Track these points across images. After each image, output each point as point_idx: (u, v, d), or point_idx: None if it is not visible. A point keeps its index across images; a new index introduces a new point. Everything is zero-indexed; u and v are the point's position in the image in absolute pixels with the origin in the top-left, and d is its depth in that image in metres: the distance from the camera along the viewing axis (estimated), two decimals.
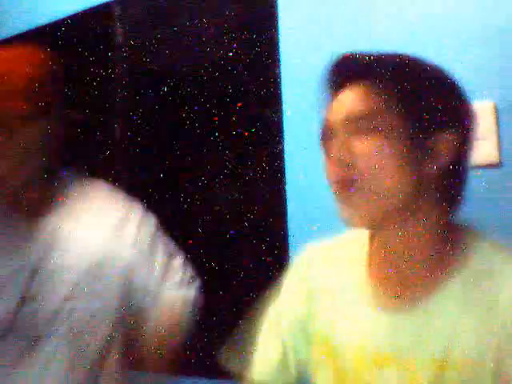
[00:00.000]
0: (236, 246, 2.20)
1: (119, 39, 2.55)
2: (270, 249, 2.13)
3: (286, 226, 2.06)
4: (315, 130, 2.03)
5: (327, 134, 1.06)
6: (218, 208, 2.26)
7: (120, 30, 2.55)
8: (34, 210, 1.40)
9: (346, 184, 0.97)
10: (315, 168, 2.05)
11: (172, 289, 1.49)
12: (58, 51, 2.76)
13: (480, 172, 1.68)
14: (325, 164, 1.05)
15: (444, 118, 0.96)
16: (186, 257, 1.72)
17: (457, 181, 0.99)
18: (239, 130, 2.20)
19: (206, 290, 2.28)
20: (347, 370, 1.01)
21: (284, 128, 2.08)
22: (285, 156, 2.08)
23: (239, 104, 2.22)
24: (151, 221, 1.54)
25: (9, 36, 2.95)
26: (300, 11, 2.05)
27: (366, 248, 1.06)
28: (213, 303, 2.24)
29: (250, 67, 2.20)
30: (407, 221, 0.97)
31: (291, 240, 2.05)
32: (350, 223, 0.99)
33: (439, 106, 0.96)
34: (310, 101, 2.06)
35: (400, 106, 0.96)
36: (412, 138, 0.96)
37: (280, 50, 2.08)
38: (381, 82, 0.99)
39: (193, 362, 2.25)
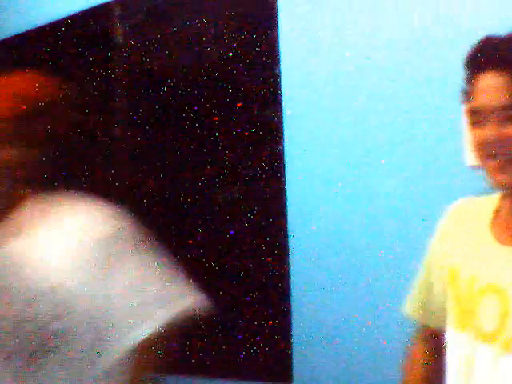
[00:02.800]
0: (236, 246, 2.20)
1: (119, 39, 2.55)
2: (270, 249, 2.13)
3: (286, 225, 2.06)
4: (315, 130, 2.04)
5: (477, 116, 1.19)
6: (217, 208, 2.27)
7: (120, 30, 2.55)
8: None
9: (493, 157, 1.17)
10: (315, 168, 2.06)
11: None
12: (58, 51, 2.77)
13: (480, 172, 1.68)
14: (473, 137, 1.21)
15: None
16: (186, 257, 1.72)
17: None
18: (239, 130, 2.20)
19: (206, 289, 2.28)
20: (461, 298, 1.25)
21: (284, 128, 2.08)
22: (285, 156, 2.08)
23: (239, 104, 2.22)
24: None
25: (9, 36, 2.95)
26: (300, 11, 2.05)
27: (494, 207, 1.30)
28: (212, 303, 2.24)
29: (250, 67, 2.20)
30: None
31: (291, 240, 2.05)
32: (500, 187, 1.21)
33: None
34: (310, 101, 2.07)
35: None
36: None
37: (280, 50, 2.09)
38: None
39: (193, 361, 2.25)
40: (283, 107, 2.08)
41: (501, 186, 1.20)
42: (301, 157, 2.04)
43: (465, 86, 1.22)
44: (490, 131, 1.17)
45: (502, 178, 1.18)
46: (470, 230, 1.31)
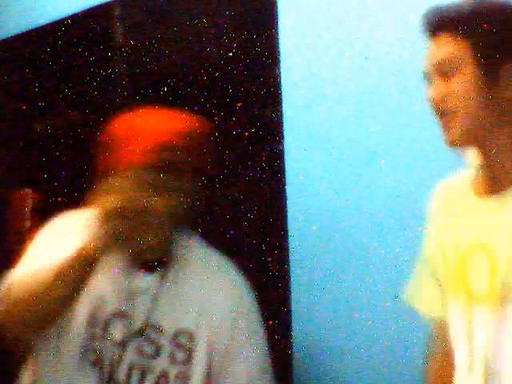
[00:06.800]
0: (236, 246, 2.20)
1: (119, 39, 2.55)
2: (269, 249, 2.13)
3: (286, 225, 2.06)
4: (315, 130, 2.04)
5: (426, 75, 1.29)
6: (217, 208, 2.27)
7: (120, 30, 2.55)
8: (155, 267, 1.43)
9: (441, 115, 1.24)
10: (315, 168, 2.06)
11: None
12: (58, 51, 2.77)
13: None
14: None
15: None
16: None
17: None
18: (239, 130, 2.20)
19: None
20: (451, 266, 1.27)
21: (284, 128, 2.08)
22: (285, 156, 2.08)
23: (239, 104, 2.22)
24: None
25: (9, 36, 2.95)
26: (300, 11, 2.05)
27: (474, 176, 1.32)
28: None
29: (250, 67, 2.20)
30: (490, 135, 1.23)
31: (291, 240, 2.05)
32: (449, 144, 1.25)
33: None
34: (310, 101, 2.07)
35: (476, 48, 1.21)
36: (486, 73, 1.21)
37: (280, 50, 2.09)
38: (461, 30, 1.22)
39: None
40: (283, 107, 2.08)
41: (449, 144, 1.24)
42: (301, 157, 2.04)
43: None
44: (433, 89, 1.24)
45: (449, 135, 1.23)
46: (453, 200, 1.33)
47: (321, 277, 1.98)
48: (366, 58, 1.90)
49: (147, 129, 1.39)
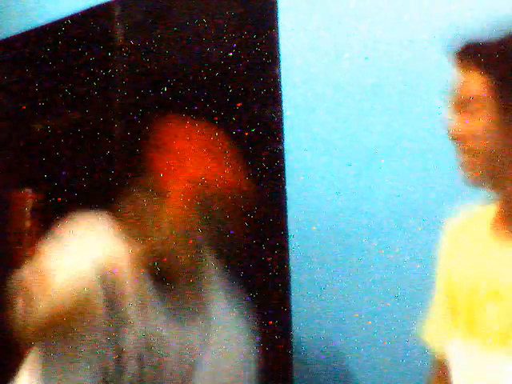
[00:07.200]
0: (236, 246, 2.20)
1: (119, 39, 2.55)
2: (270, 249, 2.13)
3: (286, 225, 2.06)
4: (315, 130, 2.04)
5: (449, 106, 1.26)
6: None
7: (120, 30, 2.55)
8: None
9: (462, 151, 1.20)
10: (315, 168, 2.06)
11: None
12: (58, 51, 2.77)
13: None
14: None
15: None
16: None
17: None
18: (239, 130, 2.20)
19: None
20: (465, 307, 1.22)
21: (284, 128, 2.08)
22: (285, 156, 2.08)
23: (239, 104, 2.22)
24: None
25: (9, 36, 2.95)
26: (300, 11, 2.05)
27: (490, 212, 1.27)
28: None
29: (250, 67, 2.20)
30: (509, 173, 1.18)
31: (291, 240, 2.05)
32: (470, 183, 1.21)
33: None
34: (310, 101, 2.07)
35: (500, 86, 1.17)
36: (508, 110, 1.17)
37: (280, 50, 2.09)
38: (490, 67, 1.18)
39: None
40: (283, 107, 2.08)
41: (471, 183, 1.21)
42: (301, 157, 2.04)
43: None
44: (456, 126, 1.20)
45: (470, 175, 1.20)
46: (468, 238, 1.28)
47: (321, 277, 1.98)
48: (365, 58, 1.90)
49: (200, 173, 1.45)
